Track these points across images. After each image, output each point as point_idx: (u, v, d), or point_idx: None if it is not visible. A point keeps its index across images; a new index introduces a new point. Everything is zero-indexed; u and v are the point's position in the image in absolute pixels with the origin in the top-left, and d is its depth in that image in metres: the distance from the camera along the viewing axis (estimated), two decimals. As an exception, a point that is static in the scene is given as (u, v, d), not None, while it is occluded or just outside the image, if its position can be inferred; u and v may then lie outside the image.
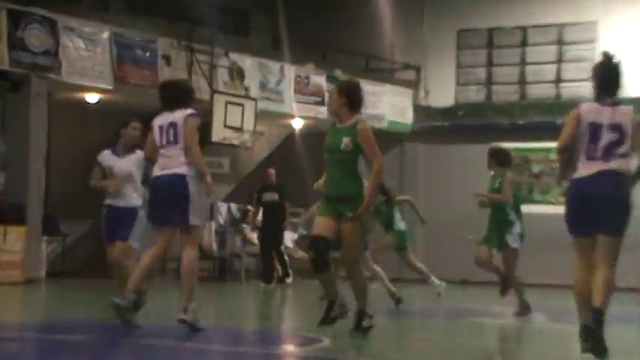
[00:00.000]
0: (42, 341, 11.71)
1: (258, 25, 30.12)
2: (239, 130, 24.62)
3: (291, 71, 26.81)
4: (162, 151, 10.98)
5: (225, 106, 24.25)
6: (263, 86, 26.07)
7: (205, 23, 25.21)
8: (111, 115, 23.25)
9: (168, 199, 10.84)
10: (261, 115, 25.56)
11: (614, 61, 9.16)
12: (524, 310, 15.23)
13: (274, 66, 26.40)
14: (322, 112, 26.59)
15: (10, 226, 20.99)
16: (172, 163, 10.92)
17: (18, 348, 10.75)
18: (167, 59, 23.74)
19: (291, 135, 28.95)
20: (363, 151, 10.41)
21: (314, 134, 25.58)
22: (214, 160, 24.71)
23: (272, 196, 23.67)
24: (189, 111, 11.16)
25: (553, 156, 24.34)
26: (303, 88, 26.98)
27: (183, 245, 11.07)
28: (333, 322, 10.97)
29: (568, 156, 9.04)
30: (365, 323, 10.76)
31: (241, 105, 24.72)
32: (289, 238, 26.42)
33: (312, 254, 10.77)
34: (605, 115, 8.95)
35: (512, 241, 15.12)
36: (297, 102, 26.83)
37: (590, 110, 9.03)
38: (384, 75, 31.08)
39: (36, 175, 22.01)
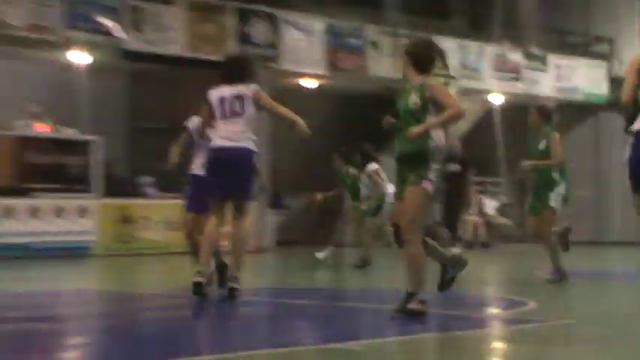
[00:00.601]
0: (272, 304, 12.31)
1: (457, 8, 29.95)
2: (442, 105, 26.48)
3: (488, 50, 27.57)
4: (223, 123, 10.71)
5: (431, 83, 26.63)
6: (463, 65, 26.83)
7: (407, 9, 26.02)
8: (326, 98, 25.70)
9: (234, 171, 10.65)
10: (462, 92, 25.44)
11: None
12: (557, 274, 13.68)
13: (473, 46, 27.27)
14: (519, 87, 27.76)
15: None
16: (237, 136, 10.77)
17: (253, 311, 11.37)
18: (374, 45, 24.95)
19: (490, 110, 28.85)
20: (436, 107, 9.38)
21: (511, 108, 26.79)
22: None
23: (455, 167, 22.84)
24: (256, 85, 11.02)
25: None
26: (500, 65, 27.67)
27: (238, 216, 10.89)
28: (451, 283, 10.27)
29: (635, 109, 8.55)
30: (412, 306, 9.12)
31: (446, 83, 26.92)
32: (491, 205, 27.23)
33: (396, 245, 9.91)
34: None
35: (553, 200, 13.91)
36: (496, 79, 27.57)
37: None
38: (579, 49, 31.10)
39: (265, 157, 23.88)
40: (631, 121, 8.50)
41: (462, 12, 30.06)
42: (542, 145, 13.63)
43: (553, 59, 28.69)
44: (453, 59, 25.81)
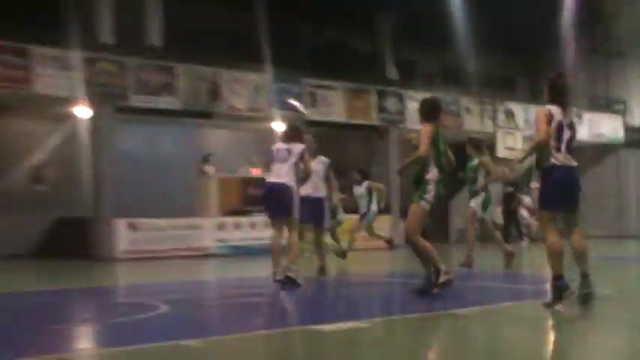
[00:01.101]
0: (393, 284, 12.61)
1: (521, 84, 31.61)
2: (512, 149, 26.05)
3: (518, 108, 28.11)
4: (275, 165, 10.97)
5: (504, 135, 26.45)
6: (526, 121, 27.43)
7: (488, 84, 27.56)
8: None
9: (277, 199, 10.89)
10: (524, 140, 26.51)
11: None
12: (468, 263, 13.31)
13: (532, 107, 26.61)
14: None
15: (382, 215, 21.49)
16: (283, 175, 10.93)
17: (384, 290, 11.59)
18: (468, 110, 26.38)
19: None
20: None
21: None
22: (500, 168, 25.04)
23: (509, 189, 23.32)
24: (302, 145, 11.28)
25: None
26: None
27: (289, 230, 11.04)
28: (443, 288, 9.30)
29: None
30: (441, 279, 9.15)
31: (513, 134, 26.92)
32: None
33: None
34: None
35: (473, 202, 13.94)
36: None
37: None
38: (602, 107, 31.68)
39: (395, 187, 23.97)
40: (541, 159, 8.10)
41: (525, 86, 31.20)
42: (473, 163, 13.64)
43: (586, 115, 29.27)
44: (520, 118, 27.66)
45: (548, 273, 8.30)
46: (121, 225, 18.85)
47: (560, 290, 7.92)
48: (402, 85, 25.61)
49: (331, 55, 24.83)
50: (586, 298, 7.84)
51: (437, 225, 23.04)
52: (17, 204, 19.44)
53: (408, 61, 27.19)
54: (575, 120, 8.42)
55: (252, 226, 21.05)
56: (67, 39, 18.80)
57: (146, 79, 20.25)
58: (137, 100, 20.05)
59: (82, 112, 19.97)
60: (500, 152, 25.56)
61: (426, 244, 9.20)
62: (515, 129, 27.39)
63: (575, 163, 8.17)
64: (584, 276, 7.93)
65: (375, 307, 9.46)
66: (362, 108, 23.74)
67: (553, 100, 8.23)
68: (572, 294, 7.88)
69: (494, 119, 26.83)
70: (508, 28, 23.92)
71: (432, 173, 9.23)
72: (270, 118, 22.21)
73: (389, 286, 12.31)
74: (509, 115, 27.64)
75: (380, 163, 24.86)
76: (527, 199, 26.44)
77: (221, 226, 20.65)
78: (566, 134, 8.10)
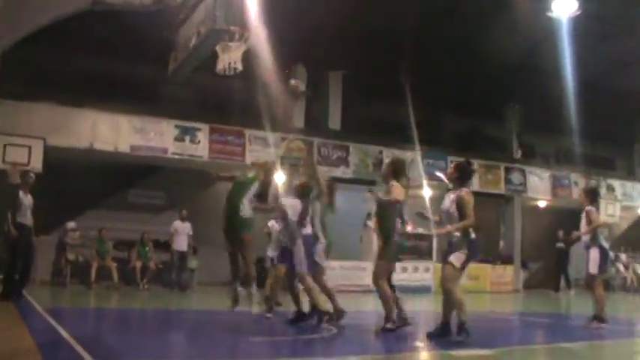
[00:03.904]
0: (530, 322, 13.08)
1: (620, 163, 29.70)
2: (612, 216, 24.91)
3: (638, 186, 27.44)
4: None
5: (606, 205, 24.78)
6: (624, 193, 26.96)
7: (594, 164, 26.48)
8: (549, 212, 26.11)
9: None
10: (623, 209, 26.24)
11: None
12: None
13: (629, 184, 27.27)
14: None
15: (507, 265, 22.95)
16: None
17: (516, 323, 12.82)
18: (576, 184, 25.17)
19: (637, 218, 27.58)
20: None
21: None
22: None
23: (560, 245, 21.89)
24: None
25: None
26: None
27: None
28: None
29: None
30: (389, 326, 7.91)
31: (612, 203, 25.75)
32: (639, 268, 26.18)
33: None
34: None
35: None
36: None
37: None
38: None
39: (519, 241, 23.86)
40: None
41: (621, 165, 29.37)
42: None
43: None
44: (618, 191, 26.53)
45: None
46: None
47: None
48: (524, 162, 25.23)
49: (469, 137, 24.51)
50: None
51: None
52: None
53: (529, 143, 26.57)
54: None
55: (404, 269, 20.43)
56: (270, 124, 19.38)
57: (326, 154, 20.52)
58: (320, 170, 20.26)
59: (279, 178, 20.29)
60: (603, 218, 24.26)
61: (388, 291, 7.99)
62: (615, 200, 26.33)
63: None
64: None
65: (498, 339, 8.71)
66: (493, 180, 23.23)
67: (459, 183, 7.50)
68: None
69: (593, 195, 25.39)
70: (611, 118, 23.15)
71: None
72: (421, 187, 21.70)
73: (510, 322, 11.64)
74: (610, 188, 26.65)
75: (506, 224, 24.39)
76: (623, 256, 25.26)
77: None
78: None
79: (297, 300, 9.13)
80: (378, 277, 8.06)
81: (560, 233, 21.77)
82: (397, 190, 8.01)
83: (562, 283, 21.94)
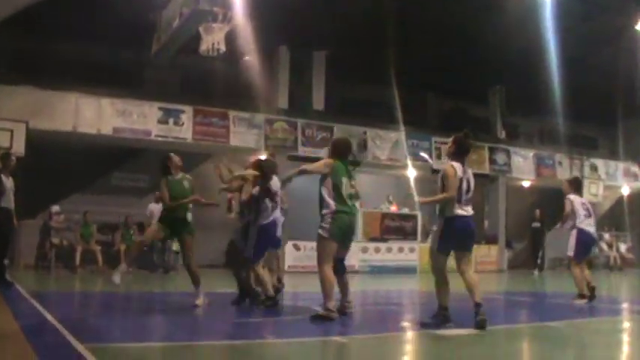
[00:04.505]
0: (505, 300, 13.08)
1: (603, 142, 30.06)
2: (595, 195, 25.02)
3: (620, 165, 27.62)
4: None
5: (589, 184, 25.16)
6: (607, 173, 27.03)
7: (577, 145, 26.84)
8: (532, 191, 26.21)
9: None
10: (606, 188, 26.37)
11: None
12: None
13: (612, 163, 27.42)
14: (635, 184, 27.54)
15: (491, 244, 23.11)
16: None
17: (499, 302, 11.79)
18: (560, 164, 25.66)
19: (620, 197, 28.02)
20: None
21: (633, 195, 27.22)
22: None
23: (536, 225, 21.80)
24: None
25: None
26: (626, 173, 27.58)
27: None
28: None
29: None
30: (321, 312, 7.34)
31: (595, 182, 25.90)
32: (622, 247, 26.47)
33: None
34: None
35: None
36: (625, 180, 27.51)
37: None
38: None
39: (503, 221, 24.07)
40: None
41: (607, 146, 29.72)
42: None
43: None
44: (601, 170, 26.76)
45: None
46: (288, 245, 18.94)
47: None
48: (509, 142, 25.29)
49: (453, 118, 24.45)
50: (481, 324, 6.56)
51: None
52: (214, 227, 19.89)
53: (512, 124, 26.63)
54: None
55: (389, 250, 20.83)
56: (254, 105, 19.37)
57: (310, 134, 20.58)
58: (304, 151, 20.41)
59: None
60: (586, 197, 24.54)
61: (328, 275, 7.30)
62: (598, 179, 26.48)
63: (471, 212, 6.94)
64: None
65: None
66: (477, 160, 23.01)
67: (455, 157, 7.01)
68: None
69: (581, 171, 25.91)
70: (593, 98, 23.12)
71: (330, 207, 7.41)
72: (405, 167, 22.07)
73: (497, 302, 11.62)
74: (593, 168, 26.83)
75: (491, 203, 24.35)
76: (606, 235, 25.52)
77: (364, 250, 20.32)
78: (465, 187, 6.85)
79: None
80: (319, 259, 7.41)
81: (537, 212, 21.82)
82: (317, 163, 7.82)
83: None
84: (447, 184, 6.82)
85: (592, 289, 9.91)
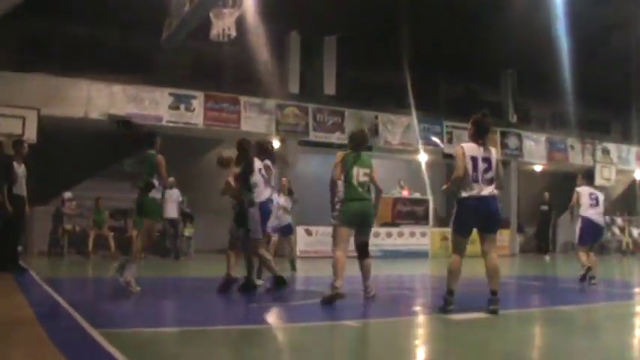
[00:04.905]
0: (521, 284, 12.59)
1: (615, 127, 30.01)
2: (608, 180, 25.08)
3: (633, 149, 27.53)
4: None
5: (601, 168, 25.19)
6: (620, 157, 26.89)
7: (589, 128, 26.77)
8: (544, 175, 26.31)
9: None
10: (618, 172, 26.04)
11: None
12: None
13: (625, 147, 27.29)
14: None
15: (503, 229, 21.83)
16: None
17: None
18: (572, 148, 25.67)
19: (632, 182, 28.20)
20: None
21: None
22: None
23: (544, 207, 21.55)
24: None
25: None
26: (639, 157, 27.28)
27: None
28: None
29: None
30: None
31: (608, 167, 25.81)
32: (635, 231, 26.52)
33: None
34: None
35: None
36: (638, 164, 27.37)
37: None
38: None
39: (515, 205, 24.06)
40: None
41: (619, 130, 29.64)
42: None
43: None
44: (614, 155, 26.66)
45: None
46: (299, 230, 18.99)
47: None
48: (520, 127, 25.20)
49: (465, 102, 24.26)
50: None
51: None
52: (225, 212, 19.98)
53: (524, 108, 26.52)
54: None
55: (401, 234, 20.82)
56: (265, 90, 19.35)
57: (322, 119, 20.60)
58: (315, 136, 20.49)
59: (275, 144, 20.24)
60: (598, 182, 24.04)
61: (338, 257, 7.46)
62: (610, 163, 26.31)
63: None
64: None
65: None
66: (488, 144, 22.78)
67: (473, 138, 6.96)
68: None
69: (593, 155, 25.90)
70: (606, 82, 23.01)
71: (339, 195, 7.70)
72: (416, 151, 22.09)
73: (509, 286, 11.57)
74: (605, 152, 26.67)
75: (503, 189, 24.03)
76: (619, 220, 25.48)
77: (376, 234, 19.93)
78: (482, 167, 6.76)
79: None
80: (332, 244, 7.71)
81: (546, 195, 21.73)
82: (334, 167, 7.93)
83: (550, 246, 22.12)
84: (455, 165, 6.85)
85: (587, 270, 10.22)
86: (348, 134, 8.57)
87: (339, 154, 7.85)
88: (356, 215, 7.65)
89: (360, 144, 7.97)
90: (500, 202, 6.85)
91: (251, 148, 8.92)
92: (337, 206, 7.64)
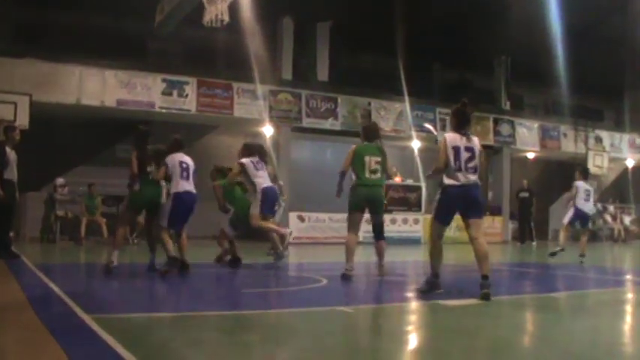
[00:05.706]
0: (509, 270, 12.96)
1: (608, 114, 30.15)
2: (600, 167, 25.31)
3: (625, 137, 27.58)
4: None
5: (594, 156, 25.41)
6: (612, 145, 27.03)
7: (581, 115, 26.52)
8: (537, 163, 26.69)
9: None
10: (610, 160, 26.27)
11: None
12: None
13: (617, 135, 27.41)
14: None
15: (495, 216, 23.16)
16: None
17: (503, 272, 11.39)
18: (565, 135, 25.72)
19: (625, 169, 28.43)
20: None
21: (638, 167, 27.23)
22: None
23: (524, 194, 22.33)
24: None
25: None
26: (632, 144, 27.59)
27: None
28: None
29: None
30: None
31: (600, 154, 25.87)
32: (626, 219, 26.85)
33: None
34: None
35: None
36: (630, 152, 27.64)
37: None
38: None
39: (507, 193, 23.94)
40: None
41: (610, 116, 29.91)
42: None
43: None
44: (606, 142, 26.68)
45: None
46: (292, 216, 19.00)
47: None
48: (513, 114, 25.17)
49: (458, 88, 24.25)
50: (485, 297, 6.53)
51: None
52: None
53: (517, 95, 26.49)
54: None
55: (393, 221, 20.69)
56: (258, 76, 19.29)
57: (315, 105, 20.57)
58: (308, 122, 20.49)
59: (268, 130, 20.37)
60: (591, 170, 24.82)
61: (348, 241, 8.77)
62: (603, 151, 26.35)
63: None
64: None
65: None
66: (481, 131, 22.95)
67: (456, 128, 7.05)
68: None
69: (586, 143, 25.96)
70: (599, 69, 23.04)
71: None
72: (409, 138, 22.13)
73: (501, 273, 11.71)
74: (598, 140, 26.78)
75: (495, 174, 24.26)
76: (611, 208, 25.65)
77: (368, 221, 20.31)
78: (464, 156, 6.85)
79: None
80: (347, 228, 8.86)
81: (525, 182, 22.04)
82: (346, 158, 8.92)
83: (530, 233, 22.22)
84: (439, 155, 6.98)
85: (560, 250, 12.74)
86: (361, 127, 9.41)
87: (353, 147, 8.79)
88: (365, 199, 8.63)
89: (372, 136, 8.95)
90: (489, 189, 7.14)
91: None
92: (350, 191, 8.66)
